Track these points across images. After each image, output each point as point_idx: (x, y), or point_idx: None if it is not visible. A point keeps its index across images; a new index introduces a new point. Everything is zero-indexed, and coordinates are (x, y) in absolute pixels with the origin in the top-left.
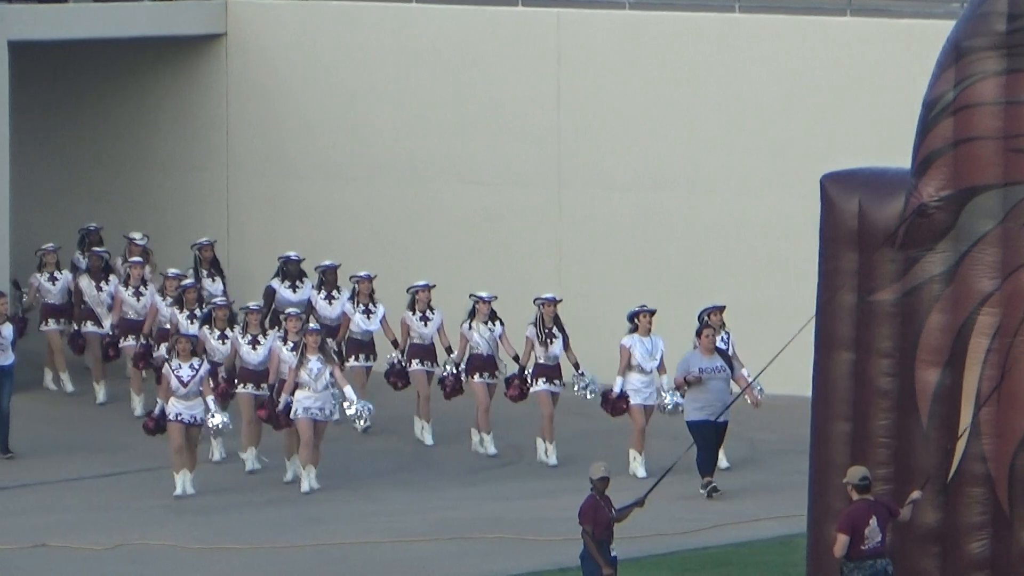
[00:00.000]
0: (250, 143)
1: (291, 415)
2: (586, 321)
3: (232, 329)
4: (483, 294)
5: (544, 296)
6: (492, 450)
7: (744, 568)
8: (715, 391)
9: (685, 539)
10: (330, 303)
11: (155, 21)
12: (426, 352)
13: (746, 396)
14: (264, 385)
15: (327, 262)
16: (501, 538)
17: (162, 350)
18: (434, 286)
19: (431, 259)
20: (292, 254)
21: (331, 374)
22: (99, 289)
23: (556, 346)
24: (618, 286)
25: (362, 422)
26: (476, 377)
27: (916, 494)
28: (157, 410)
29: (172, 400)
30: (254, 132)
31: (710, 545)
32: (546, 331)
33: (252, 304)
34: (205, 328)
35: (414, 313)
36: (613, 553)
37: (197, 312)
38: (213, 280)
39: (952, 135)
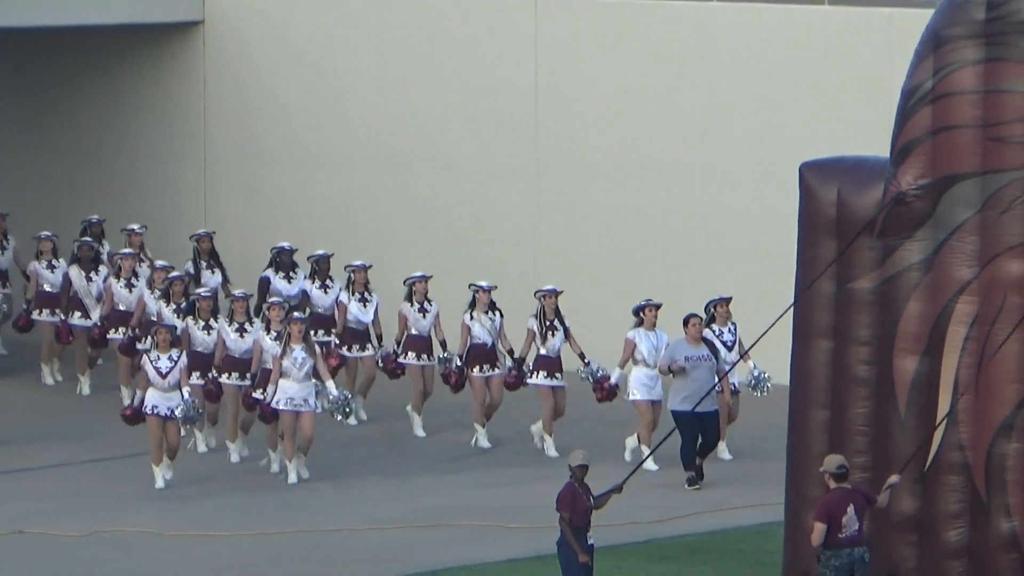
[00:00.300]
0: (228, 131)
1: (273, 403)
2: (563, 310)
3: (216, 320)
4: (483, 283)
5: (545, 288)
6: (485, 444)
7: (721, 556)
8: (699, 380)
9: (662, 527)
10: (324, 292)
11: (133, 8)
12: (424, 345)
13: (721, 387)
14: (248, 375)
15: (320, 251)
16: (479, 526)
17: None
18: (431, 277)
19: (408, 247)
20: (285, 244)
21: (313, 367)
22: (88, 280)
23: (557, 338)
24: (595, 275)
25: (342, 416)
26: (476, 371)
27: (894, 478)
28: (136, 400)
29: (150, 392)
30: (232, 120)
31: (687, 533)
32: (547, 323)
33: (237, 292)
34: (189, 319)
35: (412, 304)
36: (590, 541)
37: (184, 305)
38: (212, 272)
39: (931, 124)
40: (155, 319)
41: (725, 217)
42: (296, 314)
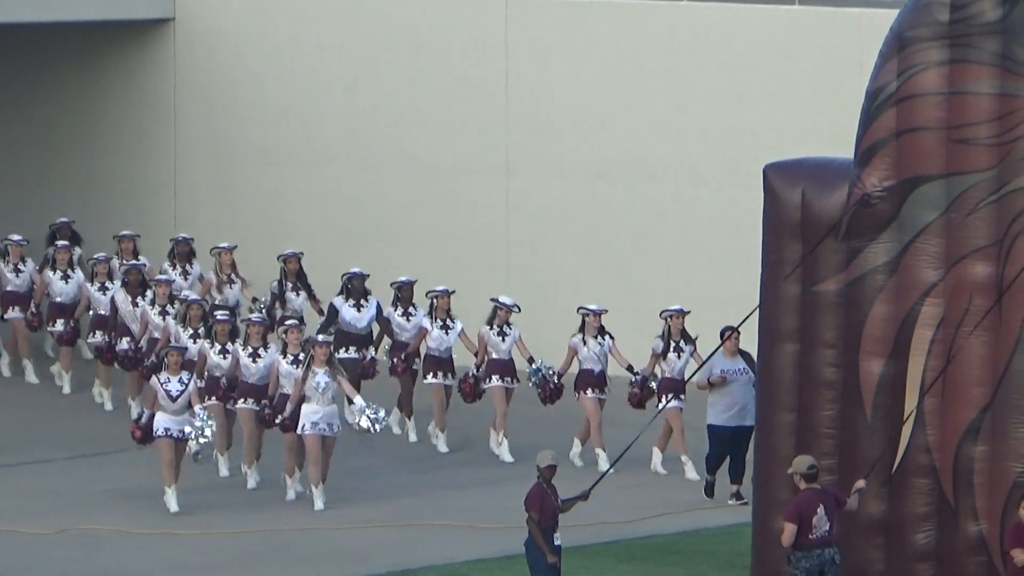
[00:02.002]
0: (198, 130)
1: (299, 429)
2: (534, 308)
3: (233, 343)
4: (593, 306)
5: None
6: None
7: (690, 556)
8: (736, 394)
9: (631, 527)
10: (407, 320)
11: (103, 5)
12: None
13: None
14: (264, 401)
15: (403, 278)
16: (448, 525)
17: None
18: (453, 292)
19: (379, 246)
20: (357, 270)
21: (339, 385)
22: (134, 304)
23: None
24: (566, 274)
25: (370, 423)
26: (589, 394)
27: (861, 483)
28: (144, 418)
29: (160, 414)
30: (202, 118)
31: (656, 534)
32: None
33: (254, 316)
34: (205, 342)
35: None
36: (557, 541)
37: (202, 330)
38: (298, 293)
39: (895, 125)
40: (156, 335)
41: (694, 217)
42: (321, 337)
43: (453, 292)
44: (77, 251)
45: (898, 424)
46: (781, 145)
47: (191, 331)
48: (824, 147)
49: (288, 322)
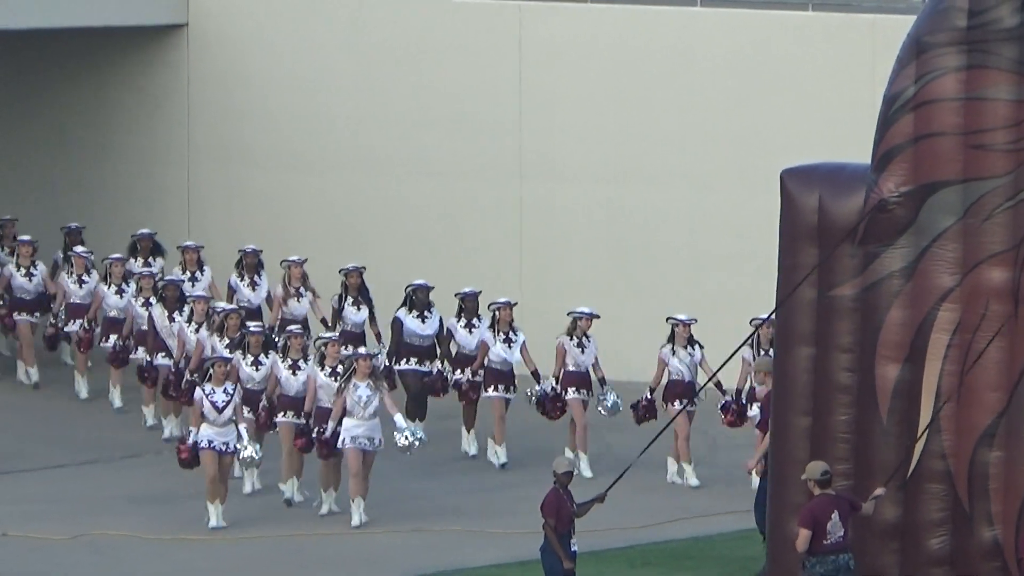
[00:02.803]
0: (211, 134)
1: (338, 444)
2: (545, 313)
3: (267, 355)
4: (682, 316)
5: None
6: (695, 481)
7: (703, 562)
8: None
9: (644, 532)
10: (470, 332)
11: (117, 11)
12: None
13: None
14: (303, 413)
15: (467, 289)
16: (462, 531)
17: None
18: (515, 304)
19: (391, 251)
20: (421, 281)
21: (380, 401)
22: (171, 319)
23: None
24: (578, 279)
25: (411, 448)
26: (677, 405)
27: (880, 490)
28: (191, 438)
29: (204, 427)
30: (215, 123)
31: (670, 539)
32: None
33: (295, 327)
34: (238, 353)
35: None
36: (574, 547)
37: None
38: (359, 308)
39: (912, 131)
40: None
41: (707, 221)
42: (363, 350)
43: (515, 304)
44: (156, 264)
45: (914, 429)
46: (794, 150)
47: (227, 341)
48: (836, 152)
49: (326, 335)
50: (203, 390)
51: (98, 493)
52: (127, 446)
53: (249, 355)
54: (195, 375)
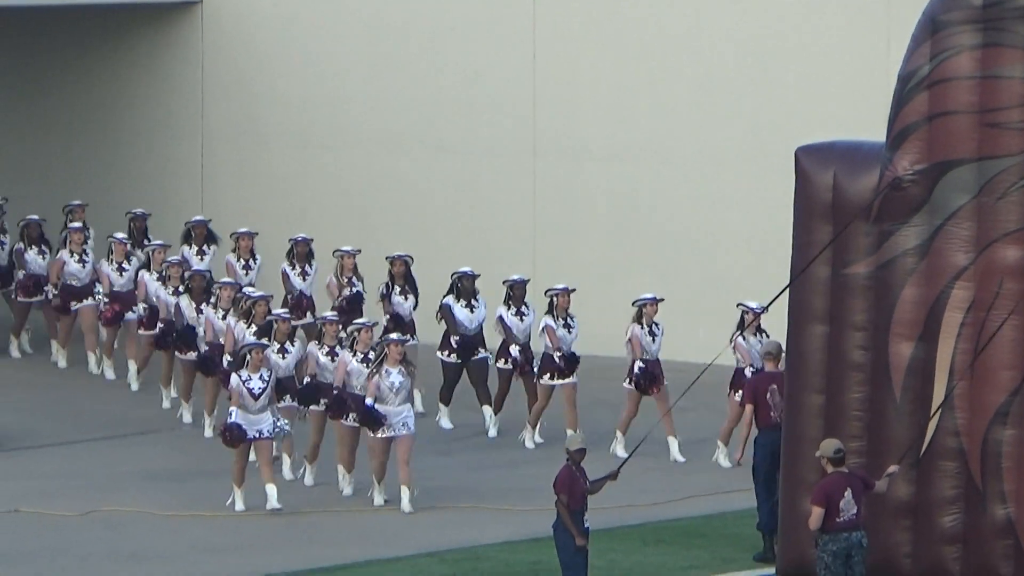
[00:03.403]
0: (225, 112)
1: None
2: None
3: (292, 343)
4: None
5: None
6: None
7: (715, 540)
8: None
9: (657, 510)
10: (520, 320)
11: None
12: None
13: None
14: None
15: (516, 276)
16: (475, 508)
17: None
18: (573, 290)
19: (405, 230)
20: (467, 269)
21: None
22: (198, 311)
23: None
24: (592, 258)
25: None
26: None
27: (893, 468)
28: (232, 419)
29: (239, 413)
30: (229, 102)
31: (682, 516)
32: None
33: (329, 314)
34: (264, 340)
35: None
36: (586, 524)
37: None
38: (406, 298)
39: (927, 109)
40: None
41: (721, 200)
42: (395, 335)
43: (573, 291)
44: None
45: (927, 407)
46: (808, 129)
47: (255, 328)
48: (851, 130)
49: (359, 321)
50: (239, 376)
51: (111, 470)
52: (141, 423)
53: (276, 342)
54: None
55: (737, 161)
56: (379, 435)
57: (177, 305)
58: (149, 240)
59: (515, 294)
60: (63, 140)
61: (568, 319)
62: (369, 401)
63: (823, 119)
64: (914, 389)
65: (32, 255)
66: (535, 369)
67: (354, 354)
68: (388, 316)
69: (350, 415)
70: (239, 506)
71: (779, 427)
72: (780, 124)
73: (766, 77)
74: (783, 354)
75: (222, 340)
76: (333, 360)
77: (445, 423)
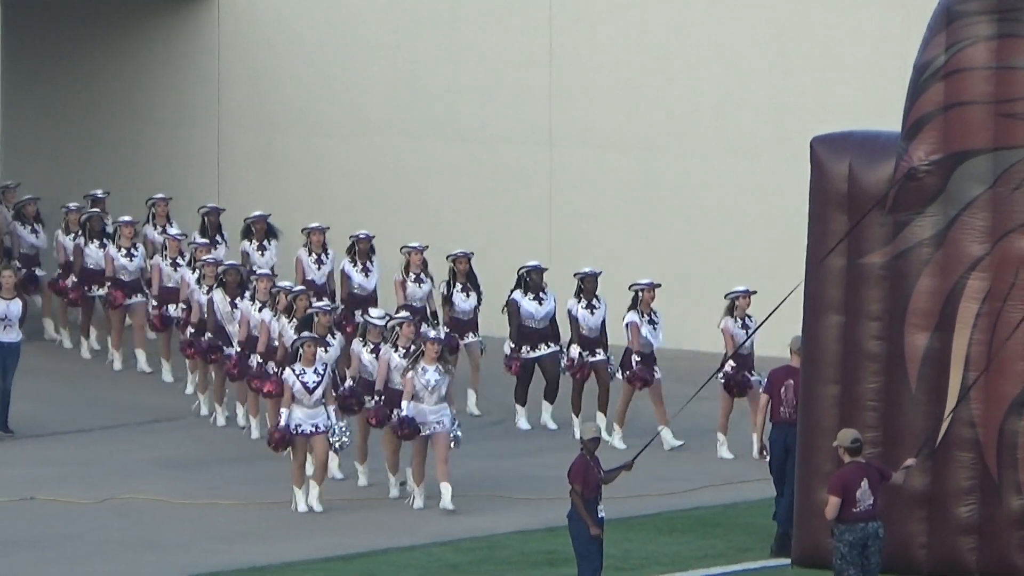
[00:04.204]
0: (242, 99)
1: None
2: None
3: (334, 336)
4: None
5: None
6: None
7: (731, 529)
8: None
9: (672, 500)
10: (591, 313)
11: None
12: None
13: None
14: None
15: (587, 269)
16: (490, 496)
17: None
18: (659, 285)
19: (421, 216)
20: (535, 263)
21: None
22: (233, 306)
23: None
24: (608, 245)
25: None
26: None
27: (911, 461)
28: (283, 421)
29: (295, 408)
30: (246, 87)
31: (697, 506)
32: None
33: (403, 315)
34: (305, 334)
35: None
36: (601, 513)
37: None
38: (467, 295)
39: (943, 99)
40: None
41: (739, 188)
42: (431, 333)
43: (659, 286)
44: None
45: (942, 398)
46: (825, 117)
47: (296, 322)
48: (868, 119)
49: (401, 315)
50: (293, 371)
51: (126, 457)
52: (156, 410)
53: (316, 334)
54: (261, 357)
55: (754, 150)
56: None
57: (210, 301)
58: (223, 236)
59: (586, 287)
60: (79, 126)
61: (653, 315)
62: (405, 408)
63: (840, 108)
64: (929, 379)
65: (93, 249)
66: (609, 366)
67: (395, 349)
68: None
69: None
70: (301, 507)
71: (789, 423)
72: (797, 113)
73: (783, 66)
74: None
75: (257, 333)
76: (378, 358)
77: (522, 423)
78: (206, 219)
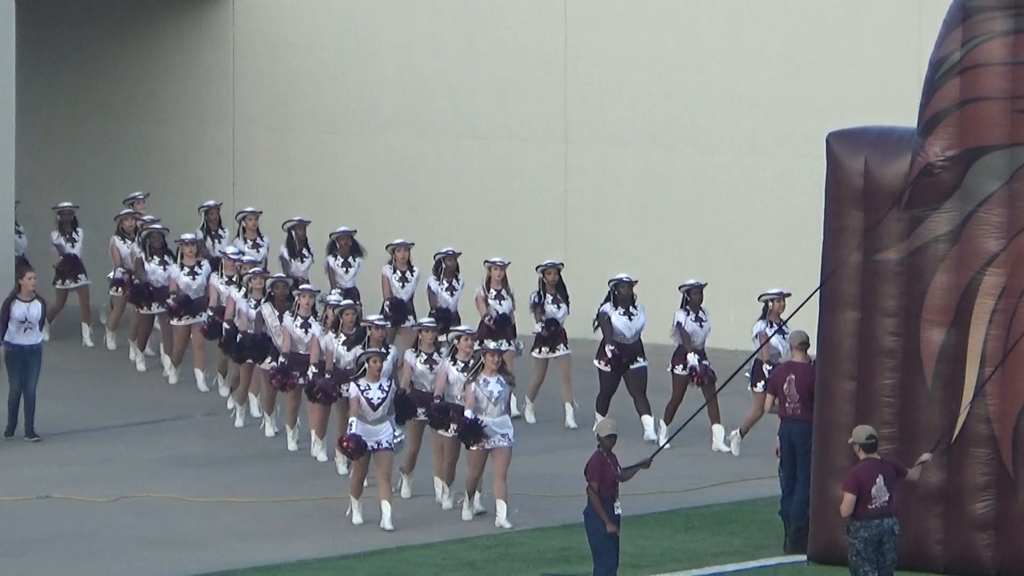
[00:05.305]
0: (256, 97)
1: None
2: (592, 278)
3: (388, 350)
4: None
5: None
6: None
7: (747, 526)
8: None
9: (688, 496)
10: (700, 326)
11: None
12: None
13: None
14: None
15: (692, 280)
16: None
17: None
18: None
19: (435, 214)
20: (624, 276)
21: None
22: (279, 319)
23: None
24: (624, 242)
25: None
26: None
27: (926, 456)
28: (352, 429)
29: (357, 423)
30: (260, 86)
31: (713, 503)
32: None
33: (427, 320)
34: (357, 349)
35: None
36: (617, 510)
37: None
38: (558, 307)
39: (958, 95)
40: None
41: (754, 185)
42: (493, 344)
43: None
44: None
45: (958, 394)
46: (839, 113)
47: (344, 337)
48: (882, 115)
49: (460, 328)
50: (358, 386)
51: (142, 455)
52: (172, 409)
53: (342, 334)
54: (316, 370)
55: (770, 145)
56: (476, 448)
57: (259, 314)
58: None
59: (692, 299)
60: (94, 125)
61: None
62: (469, 413)
63: (856, 104)
64: (945, 375)
65: (154, 266)
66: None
67: (454, 362)
68: (541, 323)
69: (451, 426)
70: (356, 519)
71: (793, 419)
72: (813, 109)
73: (799, 62)
74: (808, 344)
75: (301, 349)
76: (431, 368)
77: (652, 435)
78: (292, 233)
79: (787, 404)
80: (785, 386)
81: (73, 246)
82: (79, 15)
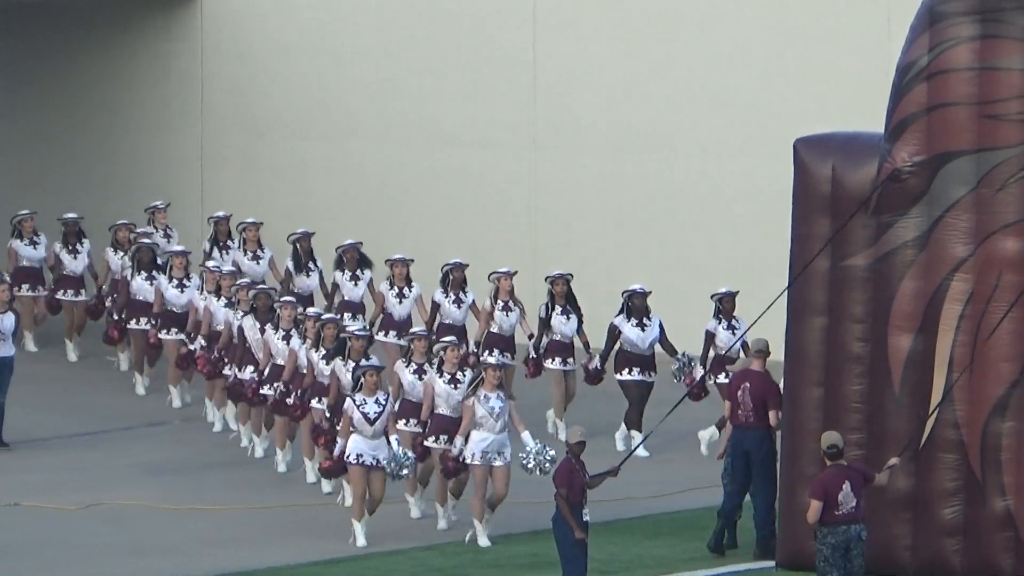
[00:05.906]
0: (225, 102)
1: (468, 459)
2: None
3: (368, 360)
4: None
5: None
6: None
7: None
8: None
9: (656, 503)
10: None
11: None
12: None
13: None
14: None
15: (724, 289)
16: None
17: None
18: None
19: (404, 220)
20: (638, 287)
21: (509, 414)
22: (262, 331)
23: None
24: (592, 248)
25: (540, 470)
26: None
27: (894, 460)
28: (338, 449)
29: (354, 439)
30: (229, 91)
31: (681, 509)
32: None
33: (419, 329)
34: (338, 360)
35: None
36: (586, 517)
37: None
38: (568, 318)
39: (926, 100)
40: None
41: (722, 191)
42: (494, 359)
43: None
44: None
45: (926, 400)
46: (809, 118)
47: (324, 352)
48: (851, 120)
49: (446, 339)
50: (353, 400)
51: (113, 463)
52: (142, 416)
53: (351, 361)
54: (291, 387)
55: (738, 151)
56: (477, 465)
57: (240, 328)
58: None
59: (724, 307)
60: (62, 131)
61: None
62: (460, 441)
63: (823, 109)
64: (913, 381)
65: (140, 281)
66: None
67: (440, 375)
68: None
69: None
70: (360, 541)
71: (745, 427)
72: (780, 114)
73: (767, 66)
74: (767, 353)
75: (280, 361)
76: (420, 379)
77: (641, 451)
78: (298, 245)
79: (740, 411)
80: (739, 393)
81: (76, 258)
82: (46, 22)
